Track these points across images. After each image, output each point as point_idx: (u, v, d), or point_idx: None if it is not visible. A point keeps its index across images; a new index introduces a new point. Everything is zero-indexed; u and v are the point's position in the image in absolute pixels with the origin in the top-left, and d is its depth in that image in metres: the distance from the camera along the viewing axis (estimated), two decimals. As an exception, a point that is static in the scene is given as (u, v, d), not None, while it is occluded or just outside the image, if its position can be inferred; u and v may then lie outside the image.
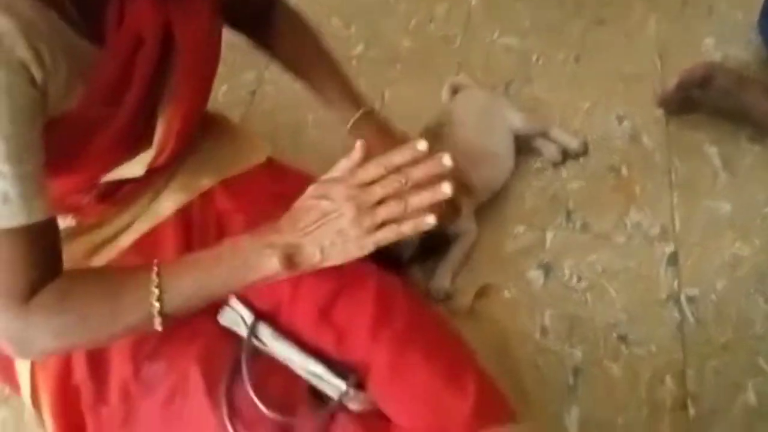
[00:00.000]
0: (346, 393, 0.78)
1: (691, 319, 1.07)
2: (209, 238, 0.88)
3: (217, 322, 0.84)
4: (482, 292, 1.12)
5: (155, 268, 0.67)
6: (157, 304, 0.66)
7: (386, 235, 0.66)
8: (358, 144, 0.68)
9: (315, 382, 0.80)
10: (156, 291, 0.66)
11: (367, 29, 1.58)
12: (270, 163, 0.98)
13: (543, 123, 1.29)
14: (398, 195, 0.65)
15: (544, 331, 1.08)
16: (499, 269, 1.15)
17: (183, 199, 0.89)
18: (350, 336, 0.81)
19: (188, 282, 0.68)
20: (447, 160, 0.64)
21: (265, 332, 0.82)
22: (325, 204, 0.67)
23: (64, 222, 0.82)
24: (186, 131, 0.81)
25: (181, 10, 0.72)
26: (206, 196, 0.90)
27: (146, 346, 0.79)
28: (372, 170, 0.66)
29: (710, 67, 1.27)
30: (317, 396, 0.81)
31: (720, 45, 1.44)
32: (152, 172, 0.83)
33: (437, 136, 1.20)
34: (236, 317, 0.83)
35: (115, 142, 0.75)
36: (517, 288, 1.13)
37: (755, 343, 1.03)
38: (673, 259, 1.13)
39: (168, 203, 0.88)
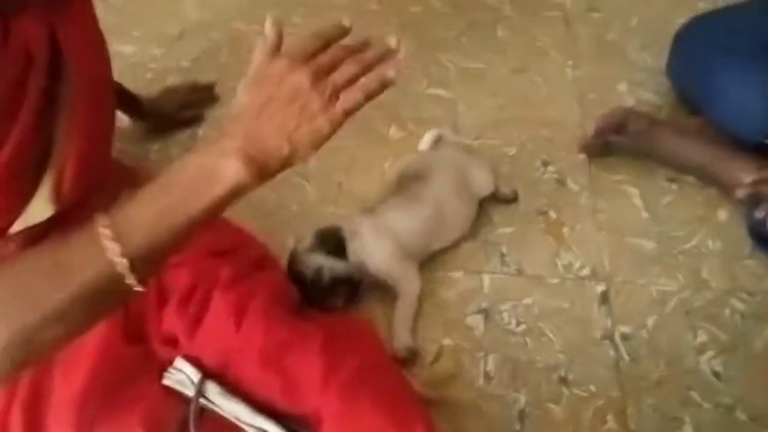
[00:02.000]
0: None
1: (626, 356, 1.10)
2: (149, 293, 0.86)
3: (162, 385, 0.82)
4: (441, 352, 1.13)
5: (100, 218, 0.56)
6: (114, 246, 0.54)
7: (355, 97, 0.58)
8: (269, 23, 0.60)
9: None
10: (107, 232, 0.55)
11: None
12: None
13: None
14: (348, 57, 0.59)
15: (487, 376, 1.09)
16: (440, 315, 1.16)
17: None
18: (300, 387, 0.81)
19: (143, 218, 0.56)
20: (393, 42, 0.61)
21: (212, 390, 0.81)
22: (271, 88, 0.57)
23: None
24: (89, 153, 0.76)
25: (67, 22, 0.70)
26: None
27: (88, 412, 0.76)
28: (307, 43, 0.58)
29: (623, 112, 1.33)
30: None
31: (632, 89, 1.52)
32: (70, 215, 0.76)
33: (409, 186, 1.22)
34: (182, 377, 0.82)
35: (12, 169, 0.67)
36: (458, 334, 1.14)
37: (688, 377, 1.07)
38: (604, 298, 1.17)
39: None
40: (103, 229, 0.55)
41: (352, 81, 0.58)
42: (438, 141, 1.33)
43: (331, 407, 0.79)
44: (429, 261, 1.23)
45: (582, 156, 1.39)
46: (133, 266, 0.55)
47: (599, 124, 1.32)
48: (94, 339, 0.80)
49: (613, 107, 1.37)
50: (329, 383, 0.80)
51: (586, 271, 1.21)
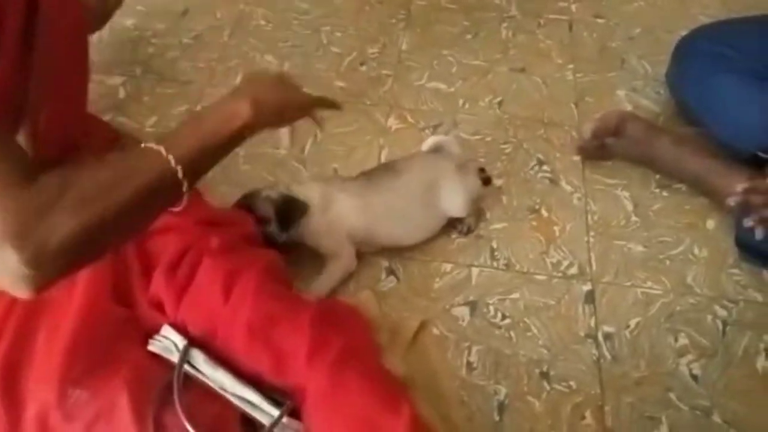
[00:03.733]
0: (278, 421, 0.78)
1: (607, 355, 1.12)
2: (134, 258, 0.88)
3: (147, 350, 0.83)
4: (422, 327, 1.14)
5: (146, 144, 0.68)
6: (168, 156, 0.67)
7: None
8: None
9: (248, 409, 0.80)
10: (160, 148, 0.67)
11: (301, 68, 1.60)
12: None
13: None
14: None
15: (470, 366, 1.10)
16: (429, 306, 1.17)
17: None
18: (286, 361, 0.82)
19: (185, 140, 0.70)
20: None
21: (198, 358, 0.82)
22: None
23: None
24: (63, 105, 0.79)
25: None
26: None
27: (71, 373, 0.77)
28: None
29: (622, 116, 1.35)
30: (250, 425, 0.81)
31: (631, 96, 1.54)
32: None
33: (379, 174, 1.23)
34: (168, 344, 0.83)
35: None
36: (445, 325, 1.15)
37: (667, 379, 1.09)
38: (590, 297, 1.19)
39: None
40: (156, 146, 0.67)
41: None
42: (438, 149, 1.28)
43: (317, 383, 0.80)
44: (421, 252, 1.24)
45: (577, 158, 1.40)
46: (186, 173, 0.68)
47: (596, 125, 1.33)
48: (80, 299, 0.81)
49: (611, 109, 1.38)
50: (316, 359, 0.81)
51: (573, 270, 1.23)
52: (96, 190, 0.60)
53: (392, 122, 1.49)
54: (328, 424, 0.79)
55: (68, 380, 0.76)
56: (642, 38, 1.69)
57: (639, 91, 1.55)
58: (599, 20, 1.74)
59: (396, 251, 1.24)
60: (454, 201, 1.22)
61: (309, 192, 1.17)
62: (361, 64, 1.62)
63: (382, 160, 1.40)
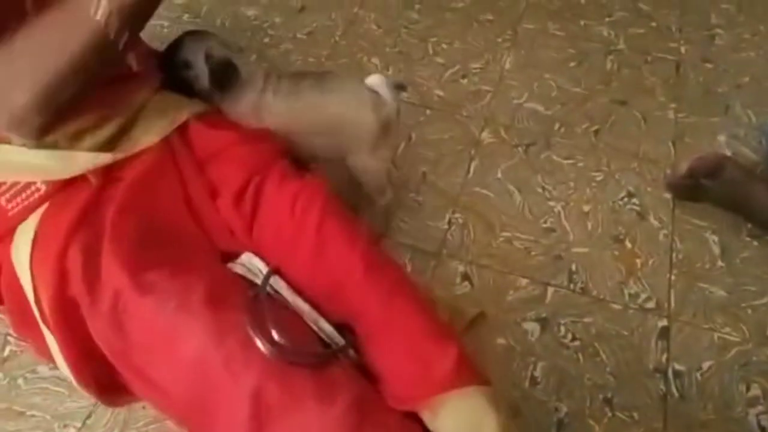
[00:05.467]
0: (344, 349, 0.81)
1: (675, 392, 1.10)
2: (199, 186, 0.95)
3: (226, 268, 0.87)
4: (479, 319, 1.16)
5: None
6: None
7: None
8: None
9: (322, 336, 0.83)
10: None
11: (404, 73, 1.66)
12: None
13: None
14: None
15: (534, 380, 1.11)
16: (500, 315, 1.19)
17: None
18: (344, 282, 0.85)
19: None
20: None
21: (280, 284, 0.85)
22: None
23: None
24: None
25: None
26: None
27: (149, 258, 0.82)
28: None
29: (721, 157, 1.34)
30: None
31: (731, 142, 1.52)
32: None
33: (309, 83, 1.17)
34: (252, 267, 0.86)
35: None
36: (513, 336, 1.17)
37: (734, 426, 1.07)
38: (664, 333, 1.18)
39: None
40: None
41: None
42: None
43: (370, 310, 0.83)
44: (499, 263, 1.26)
45: (668, 195, 1.39)
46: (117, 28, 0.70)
47: (694, 163, 1.32)
48: (153, 192, 0.88)
49: (709, 152, 1.37)
50: (371, 283, 0.84)
51: (651, 304, 1.22)
52: (31, 63, 0.68)
53: (485, 136, 1.52)
54: (380, 348, 0.82)
55: (142, 264, 0.81)
56: (749, 87, 1.66)
57: (740, 139, 1.53)
58: (707, 65, 1.72)
59: (474, 257, 1.26)
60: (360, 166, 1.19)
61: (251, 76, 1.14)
62: (463, 77, 1.67)
63: (472, 171, 1.44)
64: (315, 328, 0.84)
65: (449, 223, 1.34)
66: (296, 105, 1.15)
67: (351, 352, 0.83)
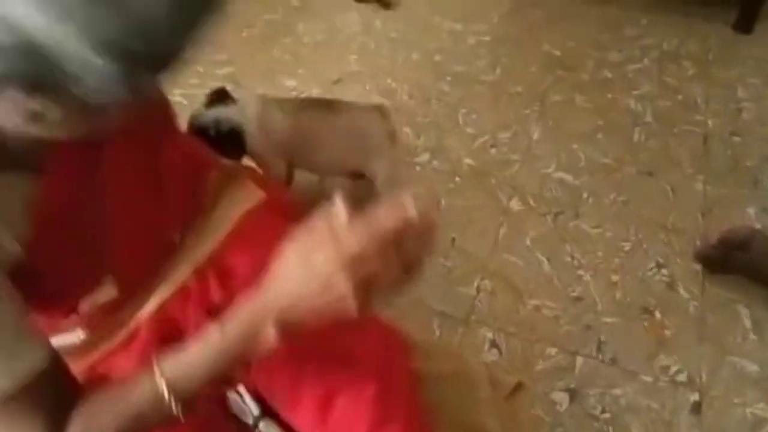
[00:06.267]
0: None
1: (708, 469, 1.08)
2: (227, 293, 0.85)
3: (224, 405, 0.85)
4: (518, 388, 1.15)
5: (157, 372, 0.63)
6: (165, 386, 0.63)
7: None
8: (339, 200, 0.60)
9: None
10: (164, 389, 0.63)
11: (434, 142, 1.71)
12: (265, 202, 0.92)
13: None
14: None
15: (562, 452, 1.10)
16: (528, 385, 1.18)
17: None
18: None
19: (191, 369, 0.64)
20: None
21: (270, 429, 0.85)
22: (313, 269, 0.59)
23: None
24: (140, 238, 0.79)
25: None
26: (215, 254, 0.86)
27: None
28: (367, 242, 0.58)
29: (752, 231, 1.34)
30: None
31: (761, 216, 1.52)
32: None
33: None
34: (245, 408, 0.85)
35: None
36: (542, 406, 1.16)
37: (769, 506, 1.04)
38: (696, 408, 1.16)
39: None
40: (158, 372, 0.63)
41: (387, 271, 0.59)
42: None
43: None
44: (526, 330, 1.27)
45: (697, 267, 1.39)
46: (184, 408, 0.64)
47: (725, 235, 1.33)
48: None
49: (739, 224, 1.38)
50: None
51: (682, 377, 1.21)
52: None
53: (514, 204, 1.55)
54: None
55: None
56: (779, 161, 1.68)
57: (769, 213, 1.53)
58: (735, 138, 1.74)
59: (501, 324, 1.27)
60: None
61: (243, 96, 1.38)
62: (492, 146, 1.71)
63: (500, 237, 1.46)
64: None
65: (477, 289, 1.35)
66: (304, 117, 1.33)
67: None
